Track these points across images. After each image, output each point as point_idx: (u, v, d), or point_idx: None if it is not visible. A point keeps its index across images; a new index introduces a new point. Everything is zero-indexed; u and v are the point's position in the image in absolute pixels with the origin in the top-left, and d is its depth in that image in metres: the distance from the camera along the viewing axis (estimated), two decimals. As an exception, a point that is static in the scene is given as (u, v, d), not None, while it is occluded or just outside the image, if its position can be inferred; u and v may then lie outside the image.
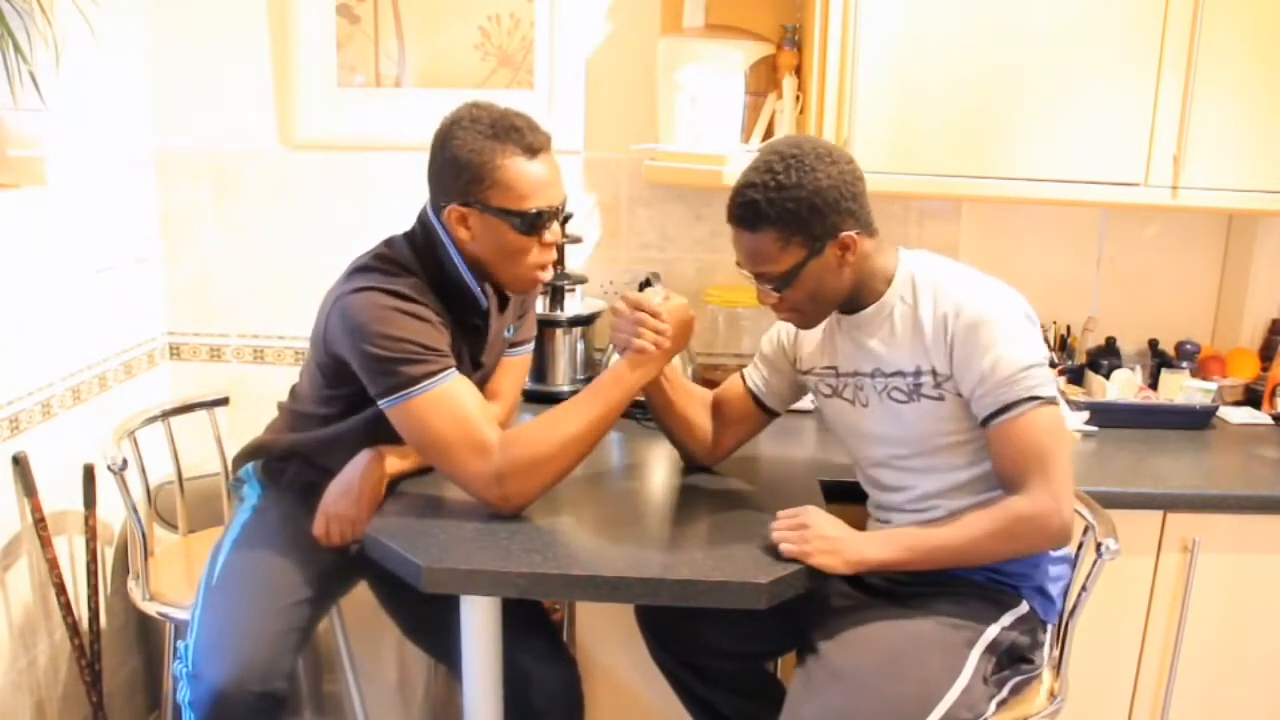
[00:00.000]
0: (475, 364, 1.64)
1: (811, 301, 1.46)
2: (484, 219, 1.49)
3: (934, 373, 1.41)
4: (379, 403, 1.46)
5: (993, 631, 1.42)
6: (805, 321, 1.51)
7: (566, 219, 1.77)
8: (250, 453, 1.75)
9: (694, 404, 1.66)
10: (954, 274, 1.45)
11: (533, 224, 1.49)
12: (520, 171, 1.46)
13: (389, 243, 1.58)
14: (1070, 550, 1.53)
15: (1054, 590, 1.50)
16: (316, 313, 1.59)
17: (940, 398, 1.42)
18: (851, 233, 1.40)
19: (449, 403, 1.43)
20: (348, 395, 1.57)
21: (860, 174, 1.42)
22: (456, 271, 1.55)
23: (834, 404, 1.56)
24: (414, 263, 1.53)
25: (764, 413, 1.68)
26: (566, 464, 1.47)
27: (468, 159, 1.46)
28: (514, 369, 1.80)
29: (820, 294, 1.45)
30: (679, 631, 1.67)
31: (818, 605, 1.48)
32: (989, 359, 1.35)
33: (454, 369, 1.46)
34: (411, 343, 1.43)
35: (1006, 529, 1.35)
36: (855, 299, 1.48)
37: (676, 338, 1.53)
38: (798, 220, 1.38)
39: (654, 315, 1.50)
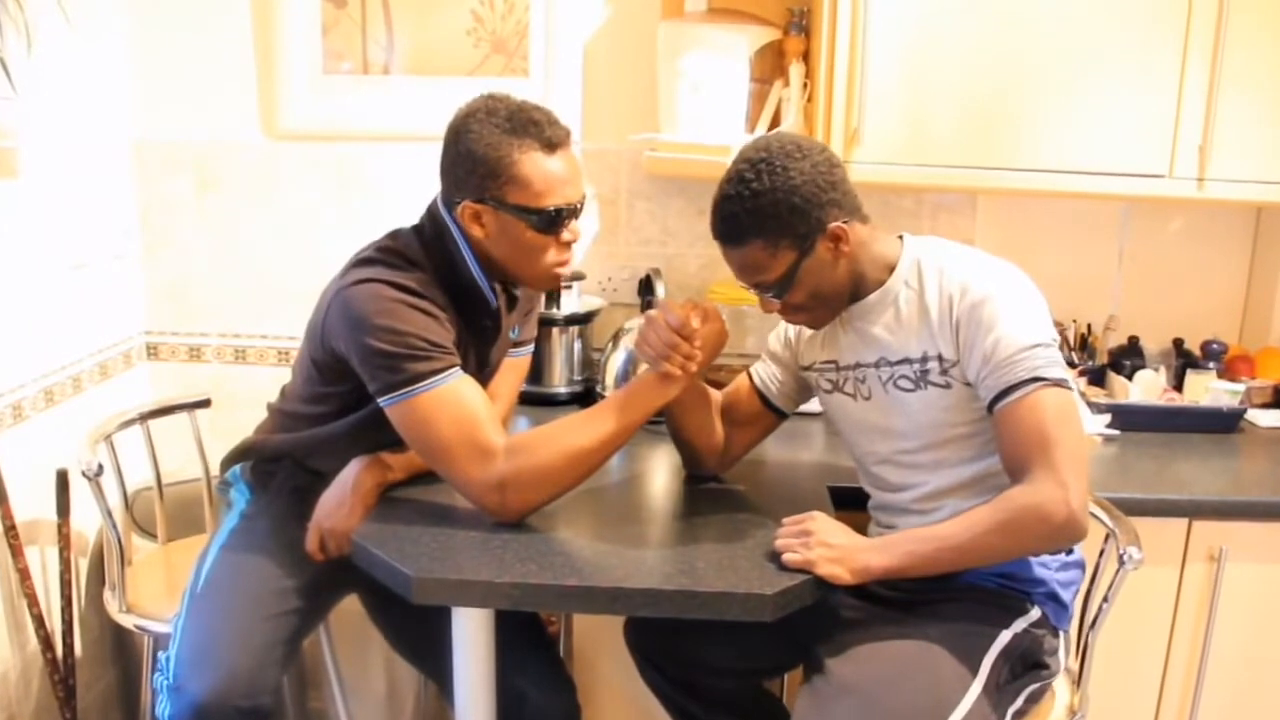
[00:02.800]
0: (481, 364, 1.64)
1: (814, 300, 1.46)
2: (499, 216, 1.49)
3: (940, 358, 1.42)
4: (379, 400, 1.46)
5: (1005, 637, 1.42)
6: (814, 321, 1.53)
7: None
8: (238, 454, 1.75)
9: (710, 408, 1.66)
10: (960, 256, 1.46)
11: (551, 222, 1.49)
12: (538, 167, 1.47)
13: (394, 234, 1.58)
14: (1081, 553, 1.53)
15: (1066, 596, 1.50)
16: (312, 309, 1.59)
17: (947, 385, 1.42)
18: (840, 223, 1.41)
19: (453, 403, 1.43)
20: (343, 394, 1.57)
21: (836, 161, 1.43)
22: (467, 269, 1.55)
23: (835, 399, 1.57)
24: (421, 256, 1.53)
25: (772, 413, 1.69)
26: (573, 478, 1.46)
27: (484, 154, 1.46)
28: (513, 370, 1.80)
29: (821, 291, 1.45)
30: (672, 649, 1.66)
31: (822, 618, 1.48)
32: (991, 338, 1.36)
33: (459, 367, 1.47)
34: (416, 337, 1.43)
35: (1009, 522, 1.32)
36: (858, 288, 1.48)
37: (705, 361, 1.52)
38: (781, 223, 1.39)
39: (688, 339, 1.48)
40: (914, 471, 1.49)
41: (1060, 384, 1.35)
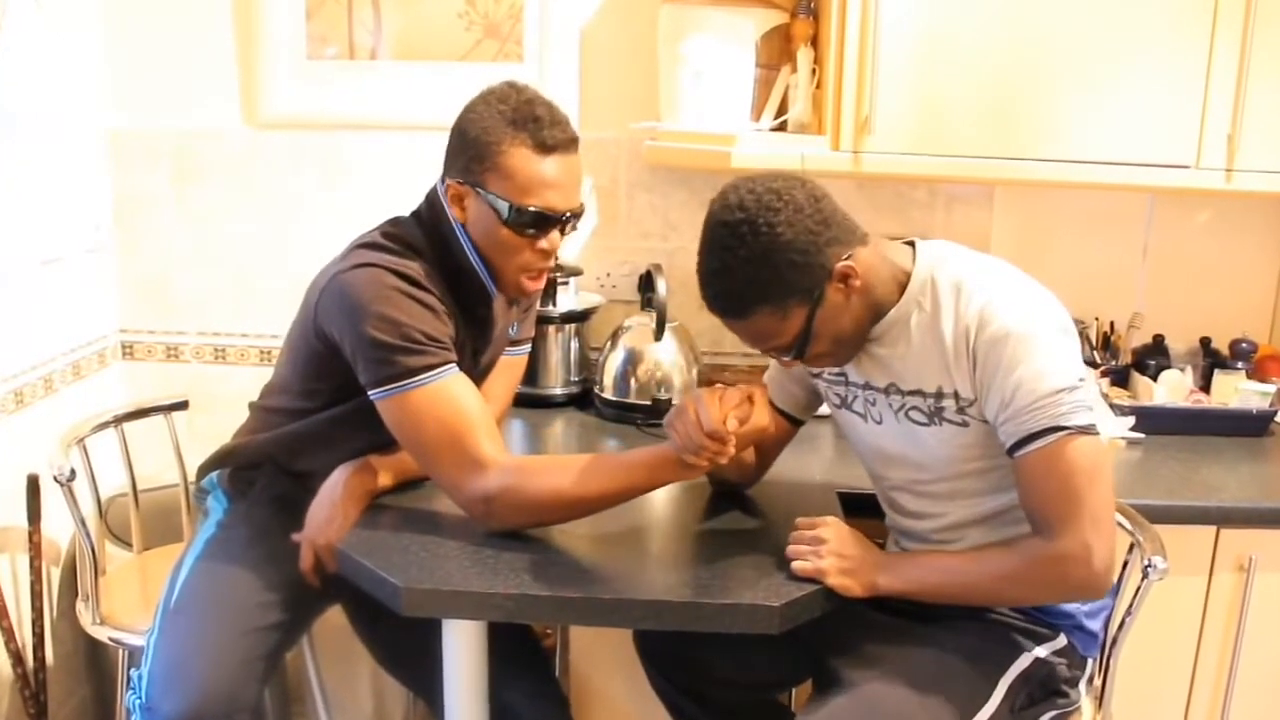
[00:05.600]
0: (476, 360, 1.65)
1: (836, 344, 1.41)
2: (478, 202, 1.50)
3: (956, 396, 1.37)
4: (369, 393, 1.46)
5: (1025, 661, 1.42)
6: (839, 361, 1.47)
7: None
8: (216, 460, 1.75)
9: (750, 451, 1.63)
10: (979, 276, 1.38)
11: (528, 223, 1.49)
12: (524, 163, 1.47)
13: (396, 221, 1.59)
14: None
15: (1094, 625, 1.50)
16: (295, 306, 1.59)
17: (964, 423, 1.38)
18: (845, 261, 1.34)
19: (446, 401, 1.44)
20: (332, 390, 1.57)
21: (819, 192, 1.35)
22: (464, 253, 1.55)
23: (845, 416, 1.55)
24: (423, 244, 1.54)
25: (792, 424, 1.68)
26: (559, 518, 1.47)
27: (476, 135, 1.48)
28: (509, 369, 1.81)
29: (842, 334, 1.39)
30: (682, 658, 1.66)
31: (836, 628, 1.48)
32: (1012, 382, 1.30)
33: (455, 365, 1.47)
34: (414, 329, 1.43)
35: (1026, 575, 1.33)
36: (876, 314, 1.42)
37: (739, 452, 1.47)
38: (783, 285, 1.32)
39: (722, 442, 1.40)
40: (932, 501, 1.47)
41: (1086, 431, 1.30)
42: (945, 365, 1.37)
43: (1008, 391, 1.31)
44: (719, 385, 1.44)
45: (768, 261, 1.31)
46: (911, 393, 1.42)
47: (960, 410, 1.38)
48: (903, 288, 1.40)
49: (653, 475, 1.46)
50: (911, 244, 1.44)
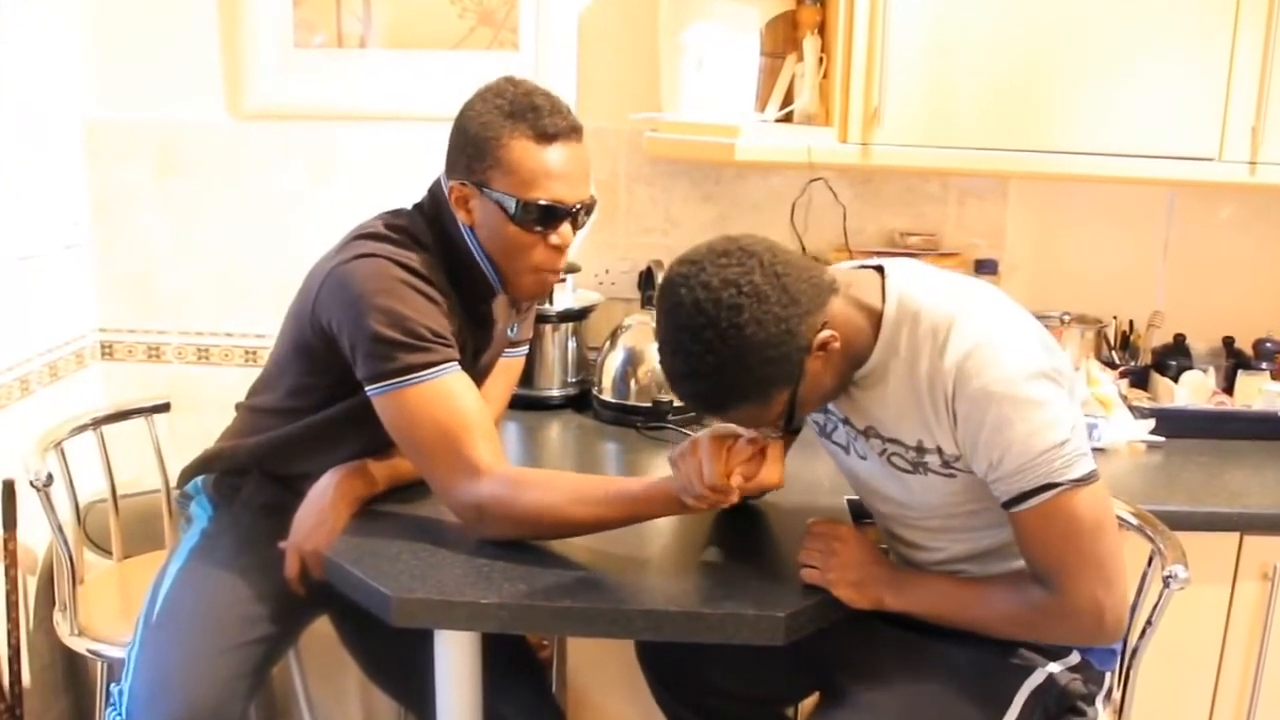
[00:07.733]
0: (476, 359, 1.65)
1: (822, 400, 1.39)
2: (484, 202, 1.50)
3: (940, 451, 1.34)
4: (366, 389, 1.46)
5: (1038, 677, 1.41)
6: (826, 403, 1.45)
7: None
8: (200, 465, 1.74)
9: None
10: (956, 317, 1.30)
11: (535, 218, 1.49)
12: (526, 155, 1.46)
13: (397, 213, 1.59)
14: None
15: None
16: (280, 304, 1.59)
17: (951, 475, 1.35)
18: (822, 333, 1.28)
19: (445, 400, 1.44)
20: (326, 387, 1.57)
21: (778, 265, 1.25)
22: (467, 248, 1.55)
23: (827, 445, 1.54)
24: (426, 236, 1.54)
25: (790, 433, 1.68)
26: (548, 536, 1.48)
27: (475, 132, 1.48)
28: (507, 371, 1.81)
29: (826, 393, 1.37)
30: (686, 670, 1.67)
31: (844, 641, 1.48)
32: (999, 445, 1.25)
33: (457, 363, 1.47)
34: (417, 323, 1.43)
35: (1033, 621, 1.34)
36: (857, 360, 1.37)
37: (741, 497, 1.45)
38: (762, 382, 1.26)
39: (724, 494, 1.36)
40: (927, 534, 1.46)
41: (1085, 482, 1.27)
42: (924, 420, 1.33)
43: (994, 455, 1.27)
44: (734, 429, 1.41)
45: (741, 364, 1.24)
46: (891, 440, 1.39)
47: (945, 464, 1.35)
48: (878, 328, 1.34)
49: (651, 508, 1.45)
50: (879, 269, 1.38)
